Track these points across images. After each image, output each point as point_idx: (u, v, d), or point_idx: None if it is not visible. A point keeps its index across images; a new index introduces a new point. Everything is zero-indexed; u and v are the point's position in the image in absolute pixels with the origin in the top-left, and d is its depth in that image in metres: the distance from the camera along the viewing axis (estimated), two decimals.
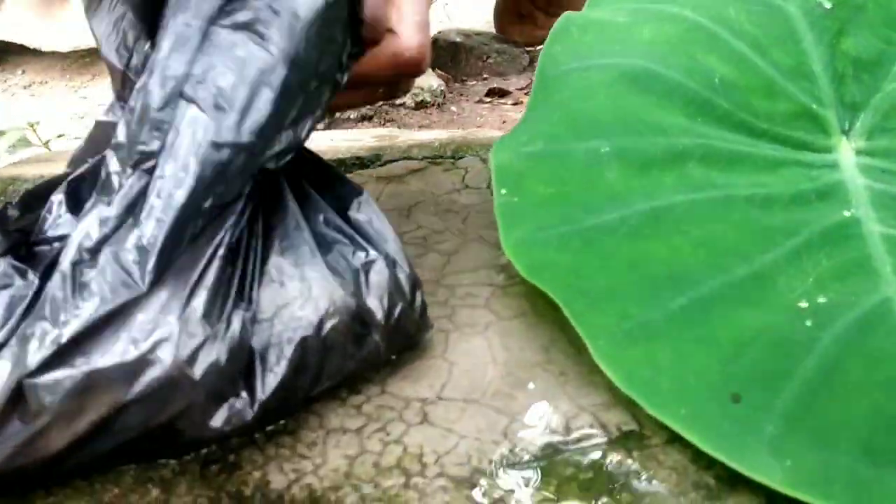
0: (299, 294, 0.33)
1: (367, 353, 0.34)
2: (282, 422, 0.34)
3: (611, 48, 0.50)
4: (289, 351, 0.32)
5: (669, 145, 0.44)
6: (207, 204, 0.31)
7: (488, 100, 0.98)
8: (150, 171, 0.32)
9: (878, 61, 0.50)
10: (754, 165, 0.44)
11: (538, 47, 0.48)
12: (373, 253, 0.35)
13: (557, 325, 0.37)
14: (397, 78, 0.42)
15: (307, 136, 0.35)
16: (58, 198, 0.34)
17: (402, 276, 0.35)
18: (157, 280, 0.30)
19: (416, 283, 0.36)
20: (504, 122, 0.88)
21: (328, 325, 0.33)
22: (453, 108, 0.94)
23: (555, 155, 0.44)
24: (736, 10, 0.52)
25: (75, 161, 0.37)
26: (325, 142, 0.62)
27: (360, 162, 0.57)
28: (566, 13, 0.51)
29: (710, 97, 0.47)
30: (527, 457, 0.32)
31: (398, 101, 0.90)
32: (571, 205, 0.42)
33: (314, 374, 0.33)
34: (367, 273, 0.34)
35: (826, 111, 0.48)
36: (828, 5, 0.52)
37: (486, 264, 0.44)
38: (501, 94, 1.00)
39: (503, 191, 0.42)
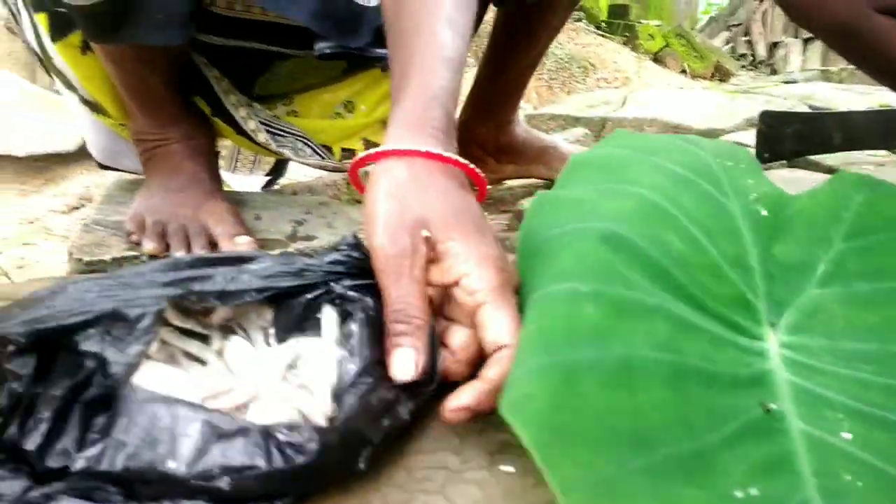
0: None
1: None
2: None
3: (584, 217, 0.54)
4: None
5: (640, 298, 0.48)
6: None
7: None
8: None
9: (801, 269, 0.57)
10: (704, 339, 0.48)
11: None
12: None
13: None
14: None
15: None
16: None
17: None
18: None
19: None
20: None
21: None
22: None
23: (536, 294, 0.46)
24: (688, 199, 0.58)
25: None
26: None
27: None
28: (539, 193, 0.56)
29: (669, 267, 0.51)
30: None
31: None
32: (551, 337, 0.44)
33: None
34: None
35: (758, 302, 0.54)
36: (764, 213, 0.59)
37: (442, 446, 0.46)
38: None
39: None
